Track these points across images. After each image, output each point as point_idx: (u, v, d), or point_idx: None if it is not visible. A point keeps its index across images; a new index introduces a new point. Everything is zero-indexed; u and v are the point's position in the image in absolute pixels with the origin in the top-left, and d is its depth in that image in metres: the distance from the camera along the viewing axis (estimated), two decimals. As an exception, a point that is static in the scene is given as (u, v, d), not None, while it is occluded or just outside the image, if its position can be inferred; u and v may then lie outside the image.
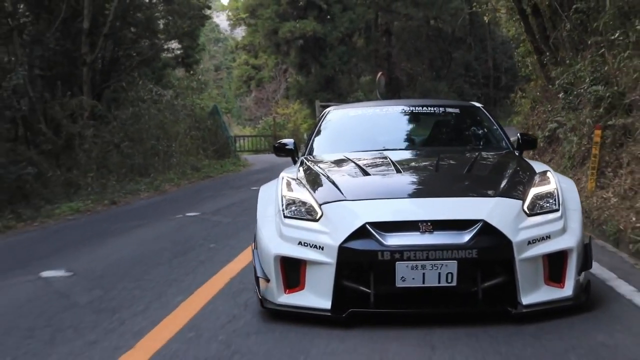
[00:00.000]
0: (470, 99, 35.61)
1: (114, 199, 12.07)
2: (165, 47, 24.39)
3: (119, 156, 16.07)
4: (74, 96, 17.39)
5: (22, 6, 18.65)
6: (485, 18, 24.02)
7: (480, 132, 6.29)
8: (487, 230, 4.03)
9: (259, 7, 36.59)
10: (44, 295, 5.31)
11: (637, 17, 8.67)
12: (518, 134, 6.03)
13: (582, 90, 10.80)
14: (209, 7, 23.56)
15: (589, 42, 11.25)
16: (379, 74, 31.47)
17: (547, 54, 14.81)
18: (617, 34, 9.36)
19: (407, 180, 4.83)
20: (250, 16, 38.04)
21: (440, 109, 6.56)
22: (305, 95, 38.01)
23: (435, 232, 4.03)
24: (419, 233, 4.03)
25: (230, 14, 44.47)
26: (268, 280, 4.25)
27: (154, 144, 17.61)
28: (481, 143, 6.09)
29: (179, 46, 26.19)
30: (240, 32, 51.93)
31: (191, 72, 26.31)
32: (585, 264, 4.34)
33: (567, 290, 4.18)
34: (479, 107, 6.55)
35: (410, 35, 41.50)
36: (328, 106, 13.51)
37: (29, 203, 11.73)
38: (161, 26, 23.37)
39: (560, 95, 12.48)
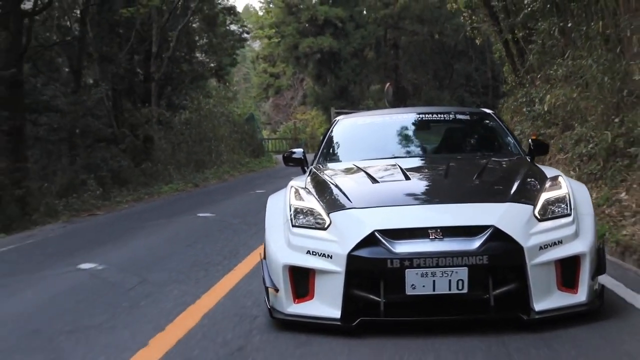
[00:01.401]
0: (471, 106, 39.93)
1: (196, 183, 16.71)
2: (203, 60, 29.05)
3: (185, 153, 20.73)
4: (138, 106, 22.10)
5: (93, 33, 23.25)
6: (477, 41, 28.43)
7: (491, 138, 6.20)
8: (498, 236, 4.01)
9: (282, 24, 41.26)
10: (209, 222, 9.88)
11: (555, 61, 13.22)
12: (530, 140, 6.00)
13: (532, 107, 15.36)
14: (248, 32, 28.25)
15: (527, 75, 15.91)
16: (387, 84, 35.83)
17: (520, 75, 19.33)
18: (549, 70, 13.94)
19: (416, 187, 4.82)
20: (274, 32, 42.63)
21: (451, 115, 6.51)
22: (322, 103, 42.63)
23: (445, 239, 4.01)
24: (428, 240, 4.01)
25: (251, 27, 49.14)
26: (277, 290, 4.25)
27: (208, 144, 22.29)
28: (492, 149, 5.98)
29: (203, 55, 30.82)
30: (257, 42, 56.53)
31: (227, 83, 30.98)
32: (598, 268, 4.31)
33: (581, 295, 4.13)
34: (489, 114, 6.51)
35: (416, 48, 45.56)
36: (342, 113, 17.27)
37: (130, 187, 16.36)
38: (198, 42, 28.05)
39: (524, 110, 16.97)
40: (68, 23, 21.36)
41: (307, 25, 40.47)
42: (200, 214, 10.67)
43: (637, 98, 8.71)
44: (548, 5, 14.26)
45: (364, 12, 42.57)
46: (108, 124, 20.66)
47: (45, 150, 17.14)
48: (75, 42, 19.70)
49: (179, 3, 22.91)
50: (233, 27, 26.95)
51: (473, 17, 24.89)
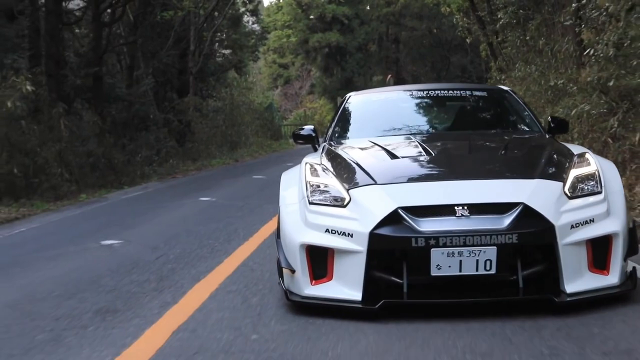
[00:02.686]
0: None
1: (236, 158, 20.95)
2: (227, 55, 33.27)
3: (220, 136, 24.96)
4: (175, 96, 26.33)
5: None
6: (468, 40, 32.45)
7: (510, 115, 6.06)
8: (528, 214, 3.86)
9: (293, 21, 45.44)
10: (264, 181, 13.99)
11: (515, 66, 17.37)
12: (549, 117, 5.84)
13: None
14: (269, 32, 32.44)
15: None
16: (389, 75, 39.93)
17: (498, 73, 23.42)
18: (512, 72, 18.09)
19: (439, 162, 4.63)
20: (290, 32, 46.90)
21: (467, 92, 6.36)
22: (329, 92, 46.85)
23: (472, 217, 3.85)
24: (455, 217, 3.85)
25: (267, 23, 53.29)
26: (293, 271, 4.11)
27: (238, 128, 26.55)
28: (512, 126, 5.90)
29: (229, 51, 35.05)
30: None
31: (247, 75, 35.17)
32: (630, 249, 4.15)
33: (613, 277, 3.99)
34: (507, 90, 6.35)
35: (415, 43, 49.45)
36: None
37: (181, 160, 20.55)
38: (223, 39, 32.25)
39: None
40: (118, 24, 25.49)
41: (316, 22, 44.58)
42: (255, 176, 14.89)
43: (555, 96, 12.88)
44: (514, 21, 18.40)
45: (368, 8, 46.72)
46: (152, 111, 24.86)
47: (115, 131, 21.31)
48: (132, 43, 23.92)
49: (214, 7, 27.06)
50: (256, 27, 31.12)
51: (464, 19, 28.86)
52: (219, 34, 31.20)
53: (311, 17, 44.59)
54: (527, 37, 16.86)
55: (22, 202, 10.91)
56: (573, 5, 10.55)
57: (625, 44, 7.67)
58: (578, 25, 10.55)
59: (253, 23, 31.45)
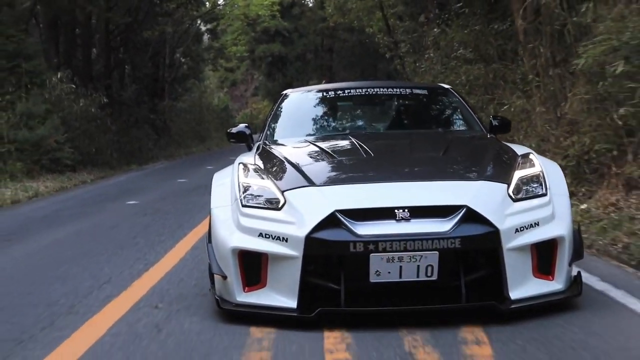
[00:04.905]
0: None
1: (208, 148, 28.10)
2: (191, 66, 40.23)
3: (192, 131, 32.03)
4: (154, 99, 33.31)
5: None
6: (387, 56, 39.81)
7: (451, 114, 6.01)
8: (471, 217, 3.77)
9: (242, 34, 52.60)
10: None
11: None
12: (491, 117, 5.82)
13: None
14: (226, 48, 39.59)
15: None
16: (324, 80, 47.22)
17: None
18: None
19: (379, 163, 4.52)
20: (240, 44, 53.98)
21: (407, 90, 6.35)
22: (272, 95, 53.96)
23: (413, 220, 3.76)
24: (394, 221, 3.75)
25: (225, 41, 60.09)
26: (225, 278, 4.00)
27: (205, 125, 33.65)
28: (453, 125, 5.83)
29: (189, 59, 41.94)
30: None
31: (206, 81, 42.16)
32: (576, 253, 4.15)
33: (558, 283, 3.97)
34: (448, 89, 6.26)
35: (347, 52, 56.52)
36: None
37: (163, 150, 27.52)
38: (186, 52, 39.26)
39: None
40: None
41: (261, 34, 51.90)
42: (231, 157, 21.94)
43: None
44: (411, 50, 25.98)
45: (306, 23, 54.09)
46: (139, 112, 31.77)
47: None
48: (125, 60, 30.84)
49: (186, 28, 34.12)
50: (215, 44, 38.22)
51: (385, 38, 36.02)
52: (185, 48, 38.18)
53: (257, 29, 51.74)
54: (417, 64, 24.45)
55: (95, 171, 17.98)
56: (426, 55, 18.13)
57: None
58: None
59: (212, 40, 38.46)
